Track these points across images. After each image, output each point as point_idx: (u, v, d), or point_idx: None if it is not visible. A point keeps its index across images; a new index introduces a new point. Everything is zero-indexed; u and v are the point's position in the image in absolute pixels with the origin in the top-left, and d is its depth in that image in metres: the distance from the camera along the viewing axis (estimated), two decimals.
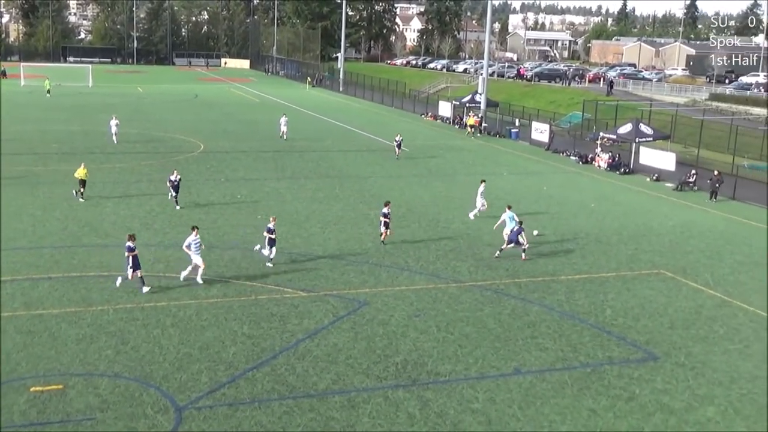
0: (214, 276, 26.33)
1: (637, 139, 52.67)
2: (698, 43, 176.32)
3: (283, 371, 19.43)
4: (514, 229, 29.38)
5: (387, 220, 30.43)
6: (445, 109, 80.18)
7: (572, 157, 56.10)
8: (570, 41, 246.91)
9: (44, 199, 36.74)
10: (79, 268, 26.86)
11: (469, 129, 67.44)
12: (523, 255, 29.48)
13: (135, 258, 24.20)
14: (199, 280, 25.37)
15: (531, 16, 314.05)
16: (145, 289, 24.37)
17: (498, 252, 29.59)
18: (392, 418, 17.33)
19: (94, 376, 18.74)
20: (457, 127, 73.38)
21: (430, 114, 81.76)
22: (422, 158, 53.92)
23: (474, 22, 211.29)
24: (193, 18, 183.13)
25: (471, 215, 35.33)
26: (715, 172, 44.21)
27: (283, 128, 59.37)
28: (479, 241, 31.94)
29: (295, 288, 25.57)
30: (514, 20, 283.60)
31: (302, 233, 32.40)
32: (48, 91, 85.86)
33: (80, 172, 36.51)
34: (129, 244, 24.21)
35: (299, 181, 43.98)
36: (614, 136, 54.90)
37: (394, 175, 46.90)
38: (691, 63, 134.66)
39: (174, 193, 35.60)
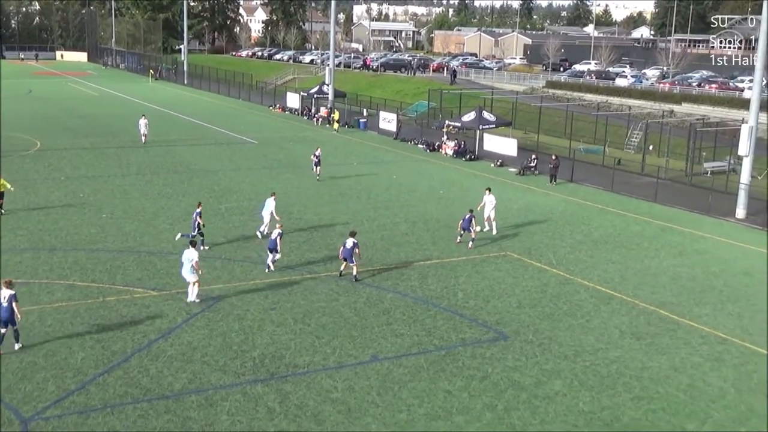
0: (58, 279, 25.19)
1: (480, 127, 54.29)
2: (534, 33, 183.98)
3: (135, 374, 18.84)
4: (466, 217, 30.22)
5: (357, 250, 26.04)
6: (293, 100, 79.91)
7: (420, 146, 57.17)
8: (413, 32, 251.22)
9: None
10: None
11: (335, 124, 65.58)
12: (470, 243, 30.41)
13: None
14: None
15: (375, 6, 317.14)
16: None
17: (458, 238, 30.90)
18: (252, 414, 17.16)
19: None
20: (305, 118, 73.26)
21: (278, 106, 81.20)
22: (272, 150, 53.51)
23: (319, 12, 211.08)
24: (24, 8, 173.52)
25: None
26: (553, 156, 46.23)
27: (143, 130, 53.68)
28: (332, 232, 32.05)
29: (145, 287, 24.84)
30: (359, 11, 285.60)
31: (151, 230, 31.48)
32: None
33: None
34: None
35: (145, 176, 42.67)
36: (459, 124, 56.32)
37: (242, 168, 46.33)
38: (528, 52, 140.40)
39: None
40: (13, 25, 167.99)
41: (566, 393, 18.71)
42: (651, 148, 53.17)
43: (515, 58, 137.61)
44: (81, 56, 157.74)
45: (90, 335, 21.02)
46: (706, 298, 25.88)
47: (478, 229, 30.64)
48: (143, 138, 53.64)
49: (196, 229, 28.76)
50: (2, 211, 33.06)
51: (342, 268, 26.27)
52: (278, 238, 26.49)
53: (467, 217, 30.20)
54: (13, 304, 19.37)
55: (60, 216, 33.43)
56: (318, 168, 42.69)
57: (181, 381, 18.59)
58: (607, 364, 20.38)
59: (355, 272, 25.96)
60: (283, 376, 19.07)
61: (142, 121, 54.02)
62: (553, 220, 36.17)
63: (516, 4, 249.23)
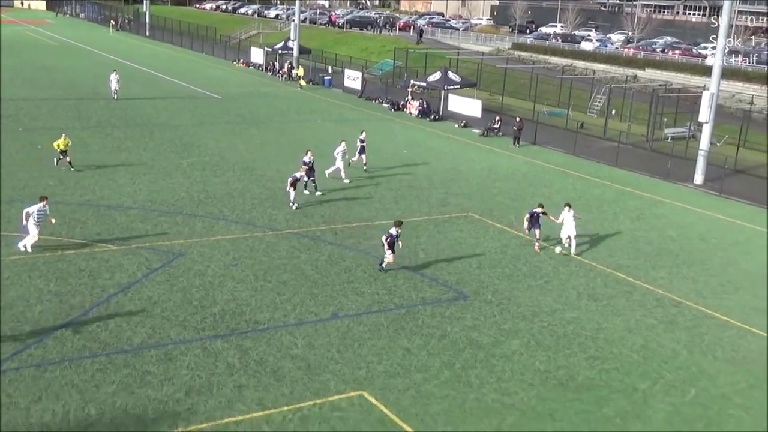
0: (16, 232, 24.84)
1: (445, 87, 54.26)
2: None
3: (94, 328, 18.75)
4: (535, 212, 26.48)
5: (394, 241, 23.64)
6: (257, 55, 79.01)
7: (384, 105, 56.97)
8: None
9: None
10: None
11: (301, 81, 65.15)
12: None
13: None
14: (21, 247, 23.41)
15: None
16: None
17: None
18: (211, 369, 17.19)
19: None
20: (270, 74, 72.49)
21: (242, 61, 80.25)
22: (234, 105, 52.95)
23: None
24: None
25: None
26: (517, 119, 46.35)
27: (114, 86, 52.01)
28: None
29: (104, 241, 24.61)
30: None
31: (110, 184, 31.11)
32: None
33: (60, 143, 32.96)
34: None
35: (105, 129, 42.04)
36: (424, 84, 56.20)
37: (205, 123, 45.83)
38: (495, 13, 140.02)
39: None
40: None
41: (523, 352, 18.99)
42: (614, 112, 53.55)
43: (482, 19, 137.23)
44: (40, 4, 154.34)
45: (48, 288, 20.83)
46: (662, 261, 26.32)
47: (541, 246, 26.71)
48: (114, 94, 51.95)
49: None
50: (72, 168, 32.84)
51: (390, 260, 23.59)
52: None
53: (536, 212, 26.48)
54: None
55: (18, 168, 32.88)
56: (363, 156, 35.89)
57: (141, 335, 18.54)
58: (563, 325, 20.70)
59: (384, 263, 23.59)
60: (243, 332, 19.10)
61: (113, 76, 52.41)
62: (515, 181, 36.40)
63: None
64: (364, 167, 35.63)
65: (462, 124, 50.55)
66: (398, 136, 45.74)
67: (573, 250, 26.34)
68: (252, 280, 22.34)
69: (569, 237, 26.37)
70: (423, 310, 20.98)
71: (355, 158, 35.57)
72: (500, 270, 24.48)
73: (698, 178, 38.51)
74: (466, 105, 53.81)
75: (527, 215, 26.48)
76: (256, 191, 31.42)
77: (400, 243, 23.75)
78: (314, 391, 16.54)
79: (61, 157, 33.11)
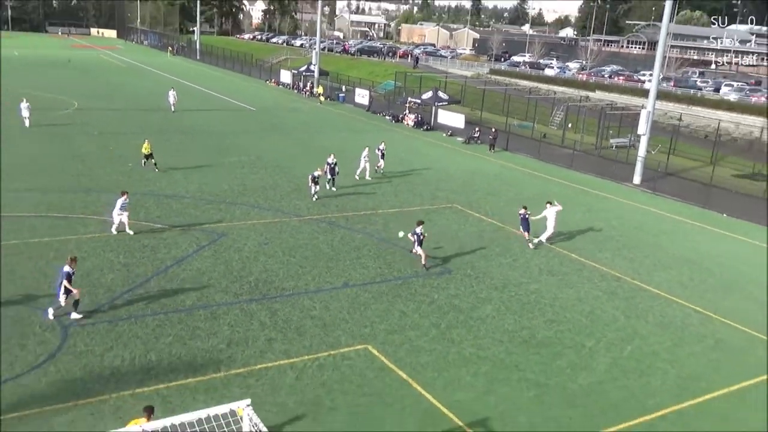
0: (92, 215, 24.93)
1: (436, 103, 54.14)
2: (482, 29, 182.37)
3: (154, 292, 18.88)
4: (522, 216, 25.17)
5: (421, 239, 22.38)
6: (285, 76, 78.82)
7: (387, 117, 56.85)
8: (385, 24, 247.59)
9: None
10: None
11: (321, 97, 64.91)
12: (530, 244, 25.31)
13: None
14: (113, 230, 23.07)
15: (354, 2, 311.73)
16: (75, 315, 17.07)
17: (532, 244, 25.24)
18: (247, 325, 17.33)
19: None
20: (296, 91, 72.35)
21: (273, 80, 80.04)
22: (267, 116, 52.92)
23: (308, 5, 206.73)
24: None
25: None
26: (493, 129, 46.33)
27: (172, 101, 50.72)
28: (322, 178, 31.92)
29: (164, 223, 24.71)
30: (341, 5, 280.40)
31: (168, 178, 31.15)
32: None
33: (146, 147, 32.27)
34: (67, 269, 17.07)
35: (164, 135, 42.02)
36: (419, 101, 56.04)
37: (244, 131, 45.80)
38: (477, 45, 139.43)
39: None
40: (54, 5, 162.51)
41: (495, 316, 19.12)
42: (570, 125, 53.44)
43: (465, 49, 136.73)
44: (112, 33, 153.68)
45: (118, 260, 20.94)
46: (606, 245, 26.40)
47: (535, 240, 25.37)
48: (172, 107, 50.80)
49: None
50: (157, 169, 32.00)
51: (422, 254, 22.31)
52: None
53: (523, 215, 25.12)
54: (64, 281, 16.72)
55: (94, 164, 32.95)
56: (382, 162, 35.14)
57: (191, 299, 18.67)
58: (527, 294, 20.81)
59: (423, 260, 22.24)
60: (272, 297, 19.22)
61: (171, 93, 51.53)
62: (491, 180, 36.42)
63: (468, 5, 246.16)
64: (380, 170, 35.05)
65: (449, 134, 50.49)
66: (397, 142, 45.70)
67: (544, 237, 25.44)
68: (280, 255, 22.45)
69: (551, 228, 25.40)
70: (416, 281, 21.10)
71: (379, 164, 34.91)
72: (477, 250, 24.56)
73: (636, 178, 38.52)
74: (452, 118, 53.72)
75: (520, 218, 25.18)
76: (284, 185, 31.48)
77: (422, 237, 22.12)
78: (329, 344, 16.67)
79: (146, 160, 32.29)
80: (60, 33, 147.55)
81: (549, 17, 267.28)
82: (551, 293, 21.05)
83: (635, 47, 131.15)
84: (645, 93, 53.09)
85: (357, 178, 33.30)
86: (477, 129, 48.98)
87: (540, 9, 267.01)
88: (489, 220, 28.50)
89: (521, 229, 25.29)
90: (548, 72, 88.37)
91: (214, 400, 13.44)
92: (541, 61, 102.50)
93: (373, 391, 14.76)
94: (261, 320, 17.67)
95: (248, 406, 10.07)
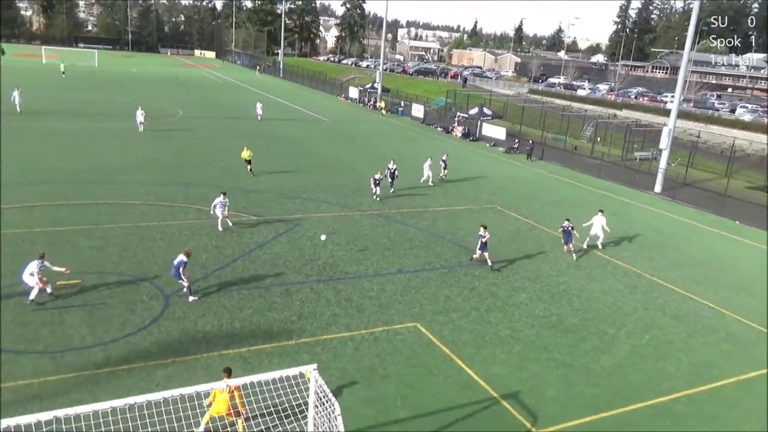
0: (190, 204, 25.52)
1: (481, 117, 53.44)
2: (523, 54, 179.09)
3: (240, 271, 19.18)
4: (565, 228, 23.02)
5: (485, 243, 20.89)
6: (353, 92, 79.05)
7: (438, 129, 56.41)
8: (439, 49, 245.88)
9: (61, 146, 34.55)
10: (91, 197, 25.55)
11: (382, 111, 65.03)
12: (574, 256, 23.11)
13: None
14: (220, 227, 22.51)
15: (413, 30, 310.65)
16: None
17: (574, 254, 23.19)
18: (315, 302, 17.43)
19: (104, 274, 18.03)
20: (362, 105, 72.53)
21: (343, 95, 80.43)
22: (337, 127, 53.22)
23: (374, 32, 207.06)
24: (174, 19, 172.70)
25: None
26: (530, 141, 45.41)
27: (259, 112, 50.97)
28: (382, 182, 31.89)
29: (248, 213, 25.11)
30: (402, 32, 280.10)
31: (254, 176, 31.61)
32: (63, 72, 76.28)
33: (245, 154, 31.38)
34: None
35: (251, 140, 42.64)
36: (466, 115, 55.44)
37: (317, 138, 46.16)
38: (518, 68, 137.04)
39: None
40: (166, 30, 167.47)
41: (527, 303, 18.73)
42: (598, 139, 52.01)
43: (508, 72, 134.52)
44: (211, 54, 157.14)
45: (211, 243, 21.37)
46: (628, 245, 25.55)
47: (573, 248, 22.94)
48: (259, 117, 51.18)
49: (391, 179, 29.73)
50: (252, 174, 31.06)
51: (476, 256, 21.06)
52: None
53: (567, 228, 22.95)
54: (181, 269, 16.65)
55: (195, 163, 33.72)
56: (445, 171, 33.97)
57: (270, 277, 18.89)
58: (557, 285, 20.32)
59: (490, 263, 20.96)
60: (337, 278, 19.29)
61: (258, 105, 52.09)
62: (528, 185, 35.73)
63: (511, 33, 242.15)
64: (444, 178, 34.01)
65: (491, 144, 49.78)
66: (447, 150, 45.25)
67: (600, 244, 23.89)
68: (345, 244, 22.51)
69: (596, 235, 24.07)
70: (459, 270, 20.85)
71: (443, 173, 33.97)
72: (514, 245, 24.12)
73: (657, 187, 37.16)
74: (494, 131, 52.95)
75: (560, 230, 23.33)
76: (349, 185, 31.58)
77: (485, 239, 20.68)
78: (383, 321, 16.62)
79: (248, 165, 31.32)
80: (169, 53, 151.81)
81: (582, 44, 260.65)
82: (578, 285, 20.49)
83: (659, 72, 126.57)
84: (667, 112, 51.21)
85: (422, 182, 32.58)
86: (516, 141, 48.14)
87: (574, 37, 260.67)
88: (525, 220, 27.95)
89: (563, 241, 23.10)
90: (580, 92, 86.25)
91: (286, 363, 13.58)
92: (575, 82, 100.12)
93: (420, 363, 14.63)
94: (327, 298, 17.75)
95: (314, 370, 10.10)
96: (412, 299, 18.16)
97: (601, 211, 24.88)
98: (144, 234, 21.59)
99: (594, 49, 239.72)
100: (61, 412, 8.22)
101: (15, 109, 44.18)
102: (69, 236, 20.74)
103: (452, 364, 14.70)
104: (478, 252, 20.84)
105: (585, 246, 24.28)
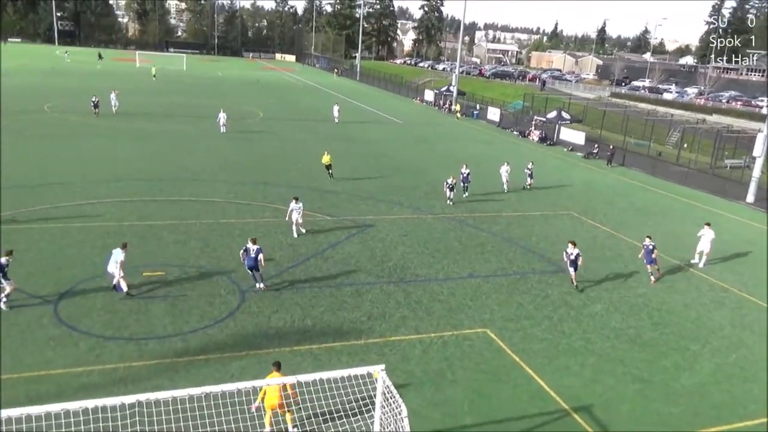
0: (269, 203, 26.28)
1: (559, 121, 52.12)
2: (605, 56, 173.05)
3: (313, 269, 19.55)
4: (647, 246, 20.55)
5: (575, 260, 19.34)
6: (429, 95, 79.03)
7: (514, 132, 55.47)
8: (517, 51, 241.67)
9: (154, 146, 36.48)
10: (176, 194, 26.81)
11: (457, 114, 64.52)
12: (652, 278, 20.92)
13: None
14: (303, 230, 22.65)
15: (491, 32, 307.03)
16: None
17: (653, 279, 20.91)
18: (385, 302, 17.53)
19: (186, 267, 18.87)
20: (437, 108, 72.36)
21: (418, 98, 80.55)
22: (411, 128, 53.32)
23: (451, 35, 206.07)
24: (257, 24, 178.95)
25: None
26: (611, 147, 43.85)
27: (336, 114, 51.85)
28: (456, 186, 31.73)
29: (323, 214, 25.57)
30: (479, 35, 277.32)
31: (328, 178, 32.17)
32: (154, 76, 79.96)
33: (326, 159, 31.01)
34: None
35: (328, 141, 43.52)
36: (544, 119, 54.22)
37: (392, 140, 46.43)
38: (599, 70, 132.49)
39: None
40: (249, 35, 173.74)
41: (603, 314, 18.07)
42: (685, 145, 49.44)
43: (589, 74, 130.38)
44: (291, 58, 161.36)
45: (286, 241, 21.90)
46: (716, 257, 24.14)
47: (696, 260, 21.55)
48: (335, 119, 51.90)
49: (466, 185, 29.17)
50: (332, 178, 30.71)
51: (573, 276, 19.54)
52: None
53: (648, 246, 20.45)
54: (260, 255, 17.29)
55: (273, 163, 34.72)
56: (530, 180, 32.82)
57: (341, 276, 19.14)
58: (636, 297, 19.49)
59: (574, 282, 19.57)
60: (408, 280, 19.31)
61: (335, 107, 52.85)
62: (607, 192, 34.50)
63: (593, 34, 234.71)
64: (529, 187, 32.72)
65: (569, 149, 48.42)
66: (522, 154, 44.45)
67: (701, 264, 22.31)
68: (416, 246, 22.51)
69: (702, 252, 22.39)
70: (532, 277, 20.40)
71: (529, 182, 32.69)
72: (590, 254, 23.22)
73: (750, 197, 34.91)
74: (573, 135, 51.47)
75: (642, 251, 20.94)
76: (422, 187, 31.56)
77: (581, 260, 19.29)
78: (453, 325, 16.50)
79: (328, 170, 30.99)
80: (251, 57, 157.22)
81: (670, 46, 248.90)
82: (659, 298, 19.56)
83: (755, 75, 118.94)
84: (762, 117, 48.10)
85: (505, 190, 31.55)
86: (596, 146, 46.58)
87: (662, 38, 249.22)
88: (603, 228, 26.99)
89: (644, 263, 20.84)
90: (666, 96, 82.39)
91: (354, 362, 13.72)
92: (660, 86, 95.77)
93: (489, 369, 14.42)
94: (397, 299, 17.81)
95: (382, 370, 10.16)
96: (482, 304, 17.92)
97: (708, 224, 23.08)
98: (223, 230, 22.42)
99: (683, 51, 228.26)
100: (143, 397, 8.69)
101: (111, 110, 47.05)
102: (156, 231, 21.85)
103: (522, 373, 14.40)
104: (572, 272, 19.28)
105: (697, 261, 22.61)
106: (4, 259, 15.47)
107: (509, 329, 16.48)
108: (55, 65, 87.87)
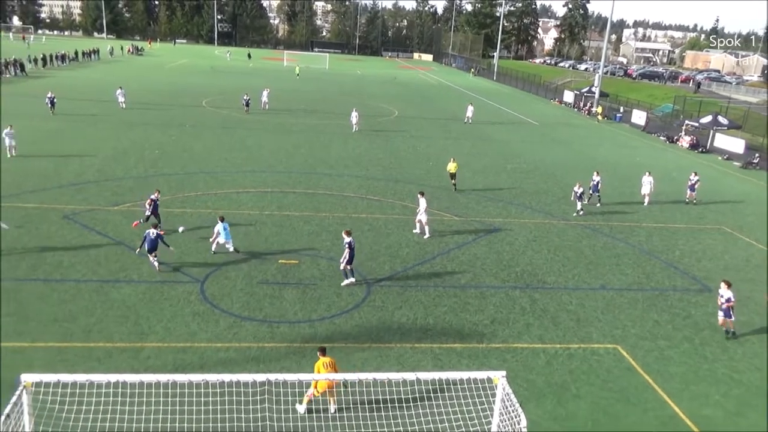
0: (398, 200, 26.73)
1: (714, 127, 47.83)
2: None
3: (438, 269, 19.63)
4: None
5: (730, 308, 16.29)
6: (568, 96, 76.01)
7: (661, 137, 51.78)
8: (669, 50, 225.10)
9: (295, 141, 38.51)
10: (312, 187, 28.11)
11: (599, 116, 61.40)
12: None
13: None
14: (427, 233, 22.24)
15: (641, 30, 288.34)
16: None
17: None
18: (510, 308, 17.18)
19: (317, 257, 19.75)
20: (576, 110, 69.43)
21: (556, 99, 77.76)
22: (546, 130, 51.63)
23: (596, 33, 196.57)
24: (397, 24, 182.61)
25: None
26: None
27: (469, 114, 51.37)
28: (585, 194, 30.36)
29: (451, 214, 25.57)
30: (627, 33, 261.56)
31: (460, 177, 32.02)
32: (297, 74, 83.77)
33: (451, 167, 29.24)
34: None
35: (459, 140, 43.43)
36: (697, 124, 50.04)
37: (526, 141, 45.28)
38: (766, 71, 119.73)
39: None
40: (389, 34, 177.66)
41: (755, 342, 16.35)
42: None
43: (753, 76, 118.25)
44: (428, 57, 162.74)
45: (413, 239, 22.17)
46: None
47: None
48: (467, 120, 51.70)
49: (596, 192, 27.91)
50: (456, 189, 28.73)
51: (721, 321, 16.58)
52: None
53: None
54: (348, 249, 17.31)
55: (403, 160, 35.27)
56: (693, 194, 30.17)
57: (466, 278, 19.05)
58: None
59: (732, 327, 16.51)
60: (534, 287, 18.79)
61: (469, 108, 52.58)
62: (765, 206, 31.09)
63: (761, 31, 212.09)
64: (693, 200, 30.12)
65: (725, 158, 44.29)
66: (669, 162, 41.36)
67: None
68: (545, 252, 21.83)
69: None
70: (672, 295, 18.97)
71: (691, 195, 30.06)
72: (743, 274, 21.19)
73: None
74: (730, 142, 46.98)
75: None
76: (555, 191, 30.50)
77: (733, 310, 16.31)
78: (580, 337, 15.80)
79: (452, 180, 29.12)
80: (389, 56, 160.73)
81: None
82: None
83: None
84: None
85: (645, 203, 29.04)
86: (757, 155, 42.22)
87: None
88: (759, 246, 24.41)
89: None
90: None
91: (474, 366, 13.61)
92: None
93: (617, 389, 13.63)
94: (522, 306, 17.39)
95: (503, 377, 9.98)
96: (614, 319, 16.97)
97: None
98: (354, 224, 23.13)
99: None
100: (272, 377, 9.25)
101: (261, 106, 50.41)
102: (292, 221, 23.10)
103: (655, 395, 13.45)
104: (721, 317, 16.44)
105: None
106: (153, 231, 17.75)
107: (643, 348, 15.46)
108: (214, 64, 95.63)
